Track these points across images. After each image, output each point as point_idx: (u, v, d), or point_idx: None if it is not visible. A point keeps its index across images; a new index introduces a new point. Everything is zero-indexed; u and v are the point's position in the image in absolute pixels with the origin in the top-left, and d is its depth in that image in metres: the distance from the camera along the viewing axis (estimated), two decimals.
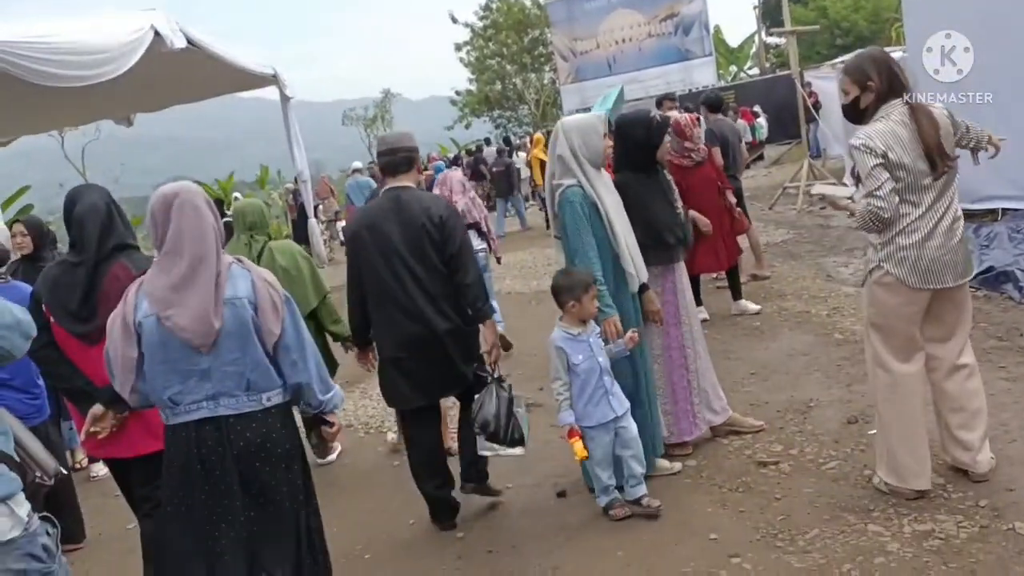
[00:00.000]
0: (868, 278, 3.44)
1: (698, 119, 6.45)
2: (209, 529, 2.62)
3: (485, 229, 6.57)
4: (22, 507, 2.27)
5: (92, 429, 3.08)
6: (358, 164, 14.90)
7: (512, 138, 21.90)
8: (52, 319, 3.20)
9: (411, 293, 3.72)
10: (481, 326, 3.88)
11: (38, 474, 2.50)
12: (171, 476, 2.69)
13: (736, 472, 3.98)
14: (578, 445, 3.60)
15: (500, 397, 3.76)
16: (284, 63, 13.28)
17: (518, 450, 3.83)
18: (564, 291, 3.69)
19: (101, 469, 5.65)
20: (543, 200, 14.69)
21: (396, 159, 3.87)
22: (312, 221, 11.20)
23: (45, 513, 2.38)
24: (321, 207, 17.34)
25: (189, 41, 10.50)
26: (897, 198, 3.25)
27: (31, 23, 8.68)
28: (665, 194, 4.37)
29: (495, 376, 3.85)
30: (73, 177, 20.28)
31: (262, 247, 4.86)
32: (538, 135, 16.33)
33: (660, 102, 7.78)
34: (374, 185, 13.69)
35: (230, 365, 2.59)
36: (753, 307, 6.81)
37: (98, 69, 9.09)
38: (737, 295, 6.89)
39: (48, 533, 2.35)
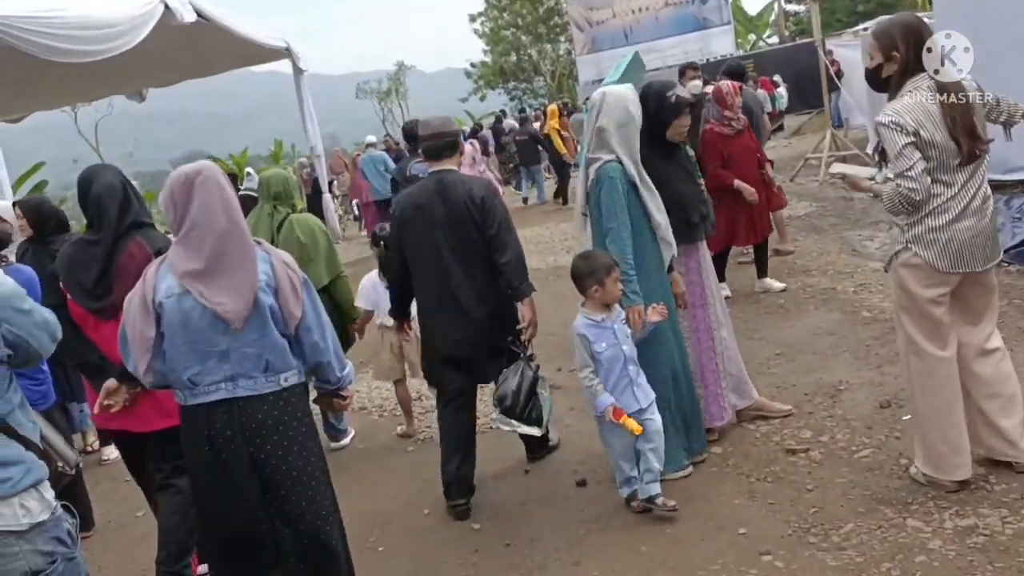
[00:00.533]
0: (894, 260, 3.26)
1: (740, 88, 6.29)
2: (229, 510, 2.68)
3: None
4: (49, 492, 2.34)
5: (106, 402, 3.10)
6: (372, 138, 14.64)
7: (527, 109, 21.53)
8: (69, 296, 3.25)
9: (454, 273, 3.85)
10: (519, 304, 3.92)
11: (60, 464, 2.54)
12: (189, 457, 2.75)
13: (764, 460, 3.83)
14: (631, 422, 3.38)
15: (524, 376, 3.79)
16: (296, 36, 13.03)
17: (534, 429, 3.84)
18: (586, 275, 3.50)
19: (112, 452, 5.56)
20: (558, 171, 14.44)
21: (441, 143, 4.00)
22: (327, 196, 11.07)
23: (64, 502, 2.42)
24: (336, 182, 17.17)
25: (199, 14, 10.34)
26: (929, 179, 3.07)
27: None
28: (687, 170, 4.18)
29: (526, 354, 3.86)
30: (87, 152, 20.27)
31: (284, 218, 4.81)
32: (552, 107, 15.94)
33: (683, 71, 7.56)
34: (388, 159, 13.54)
35: (250, 347, 2.61)
36: (778, 285, 6.61)
37: (108, 44, 8.95)
38: (763, 272, 6.69)
39: (69, 520, 2.41)
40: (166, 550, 3.34)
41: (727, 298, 6.20)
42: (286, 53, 12.74)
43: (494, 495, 4.08)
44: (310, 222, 4.87)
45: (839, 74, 15.39)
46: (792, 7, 32.29)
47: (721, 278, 6.52)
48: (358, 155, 14.60)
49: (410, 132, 8.14)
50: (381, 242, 4.85)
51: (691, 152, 4.32)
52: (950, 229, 3.09)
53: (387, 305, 4.56)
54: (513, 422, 3.77)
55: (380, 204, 13.33)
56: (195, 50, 11.52)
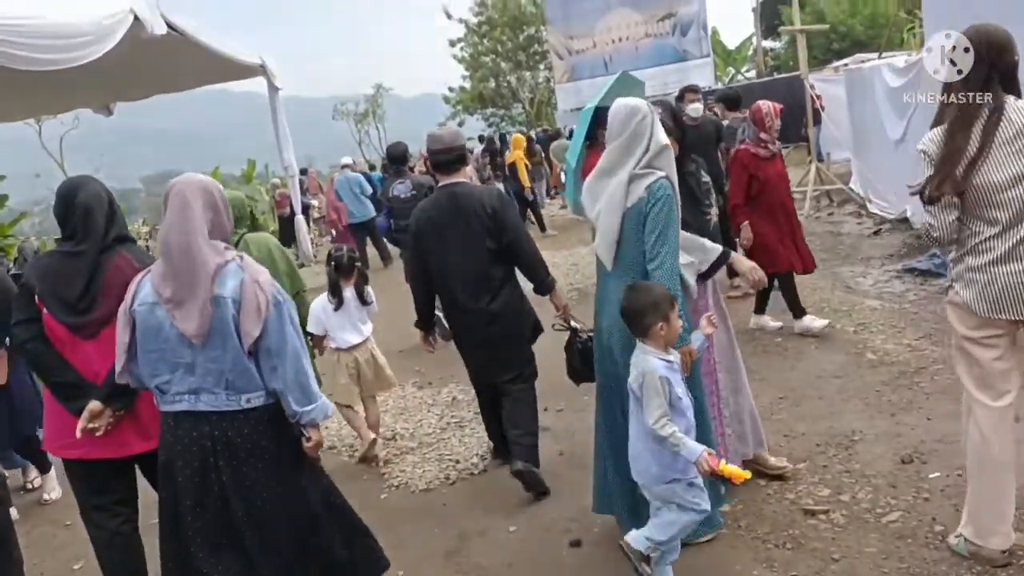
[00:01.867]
0: (947, 293, 2.96)
1: (782, 110, 5.97)
2: (191, 520, 2.66)
3: None
4: None
5: (89, 426, 2.98)
6: (347, 160, 14.24)
7: (507, 136, 21.25)
8: (45, 310, 3.06)
9: (473, 280, 4.11)
10: (548, 296, 4.23)
11: None
12: (160, 459, 2.76)
13: (781, 522, 3.46)
14: (733, 469, 2.81)
15: (577, 347, 4.06)
16: (276, 58, 12.72)
17: None
18: (649, 311, 2.94)
19: (53, 490, 5.08)
20: (520, 202, 13.86)
21: (451, 157, 4.22)
22: (299, 218, 10.64)
23: None
24: (317, 203, 16.75)
25: (171, 27, 9.93)
26: (955, 214, 2.77)
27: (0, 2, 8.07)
28: (693, 195, 3.86)
29: (572, 326, 4.11)
30: (51, 167, 19.66)
31: (239, 239, 4.71)
32: (517, 135, 15.34)
33: (683, 94, 7.27)
34: (364, 182, 13.14)
35: (212, 362, 2.60)
36: (773, 323, 6.30)
37: (73, 53, 8.49)
38: (761, 309, 6.37)
39: None
40: None
41: (779, 328, 6.16)
42: (260, 71, 12.35)
43: (478, 554, 3.68)
44: (265, 240, 4.79)
45: (821, 108, 15.34)
46: (768, 43, 32.52)
47: (762, 309, 6.28)
48: (334, 177, 14.19)
49: (394, 154, 7.82)
50: (333, 263, 4.88)
51: (705, 177, 4.01)
52: (990, 270, 2.79)
53: (339, 329, 4.84)
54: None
55: (355, 227, 12.92)
56: (166, 65, 11.09)
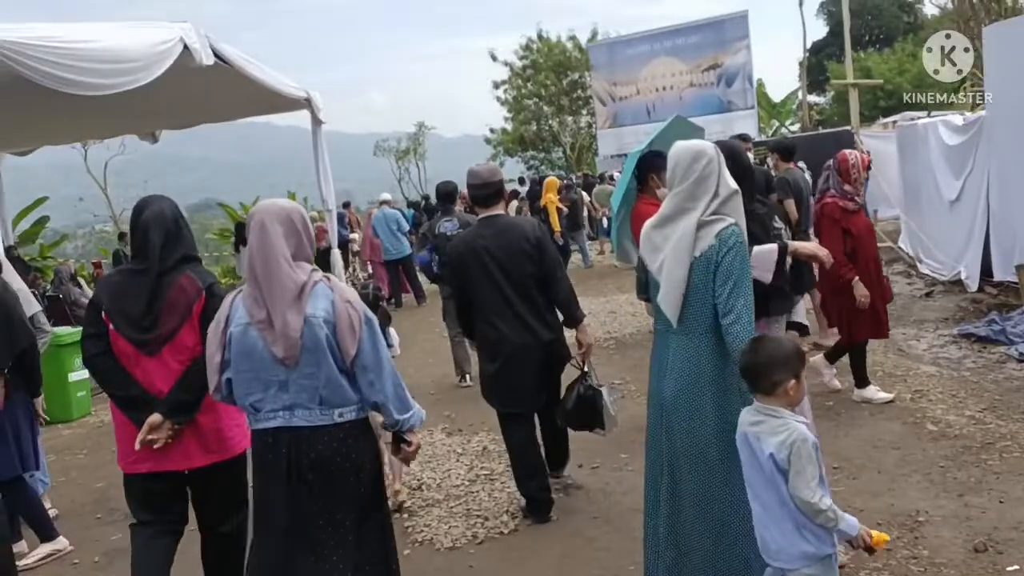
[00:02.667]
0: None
1: (870, 164, 5.63)
2: (286, 530, 2.74)
3: None
4: None
5: (149, 437, 3.08)
6: (386, 196, 14.13)
7: (573, 177, 21.13)
8: (112, 326, 3.17)
9: (516, 308, 4.23)
10: (575, 330, 4.38)
11: None
12: (255, 475, 2.85)
13: None
14: (882, 535, 2.56)
15: (580, 393, 4.30)
16: (317, 93, 12.86)
17: (598, 430, 4.40)
18: (779, 366, 2.58)
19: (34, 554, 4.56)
20: (563, 243, 13.70)
21: (489, 191, 4.42)
22: (335, 252, 10.57)
23: None
24: (357, 236, 16.75)
25: (219, 57, 9.97)
26: None
27: (52, 26, 8.15)
28: (759, 240, 3.57)
29: (584, 370, 4.33)
30: (96, 193, 19.92)
31: None
32: (551, 178, 15.20)
33: None
34: (401, 219, 13.03)
35: (306, 379, 2.68)
36: (882, 395, 5.65)
37: (120, 79, 8.51)
38: (863, 380, 5.73)
39: None
40: None
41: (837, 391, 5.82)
42: (306, 104, 12.41)
43: None
44: None
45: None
46: (814, 98, 32.33)
47: (864, 380, 5.72)
48: (372, 212, 14.12)
49: (443, 191, 7.77)
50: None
51: (778, 223, 3.79)
52: None
53: None
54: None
55: (390, 264, 12.77)
56: (212, 94, 11.15)
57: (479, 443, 5.73)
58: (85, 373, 7.92)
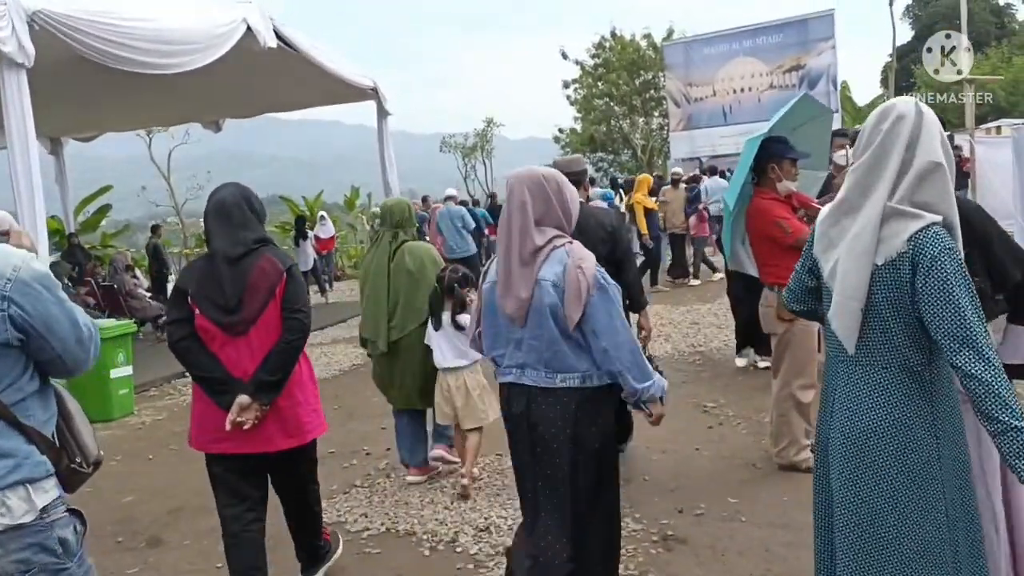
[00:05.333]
0: None
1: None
2: (523, 482, 2.93)
3: None
4: (43, 495, 2.11)
5: (238, 419, 3.16)
6: (452, 191, 13.48)
7: (617, 180, 20.33)
8: (197, 310, 3.24)
9: None
10: (638, 314, 4.65)
11: (77, 459, 2.27)
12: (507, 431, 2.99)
13: None
14: None
15: None
16: (383, 89, 12.44)
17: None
18: None
19: None
20: (647, 249, 12.89)
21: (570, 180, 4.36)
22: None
23: (75, 507, 2.22)
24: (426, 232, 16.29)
25: (282, 40, 9.50)
26: None
27: (109, 1, 7.73)
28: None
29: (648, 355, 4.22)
30: (159, 183, 19.85)
31: (399, 245, 4.98)
32: (644, 175, 14.49)
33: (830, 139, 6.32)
34: (467, 215, 12.40)
35: (534, 340, 2.75)
36: None
37: (178, 59, 8.08)
38: None
39: (75, 529, 2.20)
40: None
41: None
42: (372, 94, 11.96)
43: None
44: (421, 251, 4.99)
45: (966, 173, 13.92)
46: None
47: None
48: (436, 208, 13.53)
49: None
50: (439, 281, 4.84)
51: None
52: None
53: (438, 349, 4.79)
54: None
55: (452, 263, 12.12)
56: (277, 82, 10.78)
57: None
58: (129, 369, 7.48)
